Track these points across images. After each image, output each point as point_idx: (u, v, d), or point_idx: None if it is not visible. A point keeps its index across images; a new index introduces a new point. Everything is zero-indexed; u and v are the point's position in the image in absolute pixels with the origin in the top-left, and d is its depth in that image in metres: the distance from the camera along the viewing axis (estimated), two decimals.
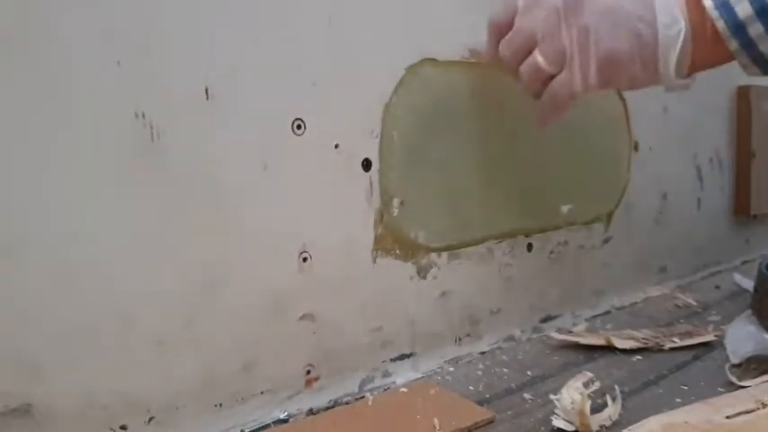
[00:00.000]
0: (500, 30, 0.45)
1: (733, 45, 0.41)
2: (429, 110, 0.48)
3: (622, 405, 0.41)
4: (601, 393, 0.41)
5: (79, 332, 0.35)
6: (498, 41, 0.45)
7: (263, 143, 0.40)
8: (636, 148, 0.65)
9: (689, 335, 0.54)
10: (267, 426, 0.41)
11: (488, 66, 0.49)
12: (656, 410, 0.38)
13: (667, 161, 0.69)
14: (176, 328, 0.38)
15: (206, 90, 0.38)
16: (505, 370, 0.49)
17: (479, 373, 0.49)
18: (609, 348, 0.52)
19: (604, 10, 0.41)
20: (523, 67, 0.44)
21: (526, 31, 0.43)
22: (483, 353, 0.53)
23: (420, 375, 0.49)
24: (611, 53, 0.41)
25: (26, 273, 0.33)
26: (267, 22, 0.40)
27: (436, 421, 0.40)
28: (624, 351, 0.51)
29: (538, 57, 0.43)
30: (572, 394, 0.40)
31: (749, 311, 0.54)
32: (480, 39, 0.49)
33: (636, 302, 0.66)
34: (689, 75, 0.44)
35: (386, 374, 0.48)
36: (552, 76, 0.43)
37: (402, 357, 0.49)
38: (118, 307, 0.36)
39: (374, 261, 0.46)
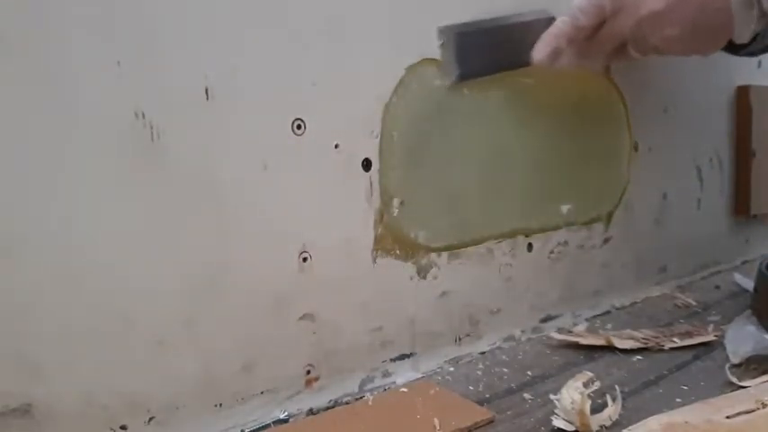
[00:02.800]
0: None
1: None
2: (429, 110, 0.48)
3: (622, 405, 0.41)
4: (601, 393, 0.41)
5: (79, 332, 0.35)
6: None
7: (263, 143, 0.40)
8: (636, 148, 0.64)
9: (689, 335, 0.54)
10: (267, 426, 0.41)
11: None
12: (656, 410, 0.38)
13: (667, 161, 0.69)
14: (176, 328, 0.38)
15: (206, 90, 0.38)
16: (505, 370, 0.49)
17: (479, 373, 0.49)
18: (609, 348, 0.52)
19: None
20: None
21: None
22: (483, 353, 0.53)
23: (420, 375, 0.49)
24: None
25: (26, 273, 0.33)
26: (267, 22, 0.40)
27: (436, 421, 0.40)
28: (624, 351, 0.51)
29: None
30: (572, 394, 0.40)
31: (749, 311, 0.53)
32: None
33: (636, 302, 0.66)
34: None
35: (386, 374, 0.48)
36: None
37: (402, 357, 0.49)
38: (118, 307, 0.36)
39: (374, 261, 0.46)
